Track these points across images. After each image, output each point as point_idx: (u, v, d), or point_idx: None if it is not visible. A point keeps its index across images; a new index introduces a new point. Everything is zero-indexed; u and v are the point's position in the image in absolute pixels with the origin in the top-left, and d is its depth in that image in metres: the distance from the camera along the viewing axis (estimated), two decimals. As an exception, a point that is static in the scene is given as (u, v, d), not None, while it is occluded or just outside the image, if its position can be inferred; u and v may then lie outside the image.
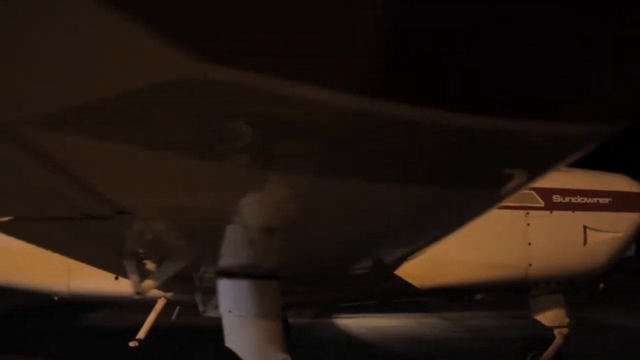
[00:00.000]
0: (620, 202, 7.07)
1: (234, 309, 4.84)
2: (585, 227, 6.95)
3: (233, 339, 4.85)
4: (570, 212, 6.95)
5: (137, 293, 4.05)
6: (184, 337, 10.46)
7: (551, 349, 7.44)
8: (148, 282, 4.05)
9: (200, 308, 6.45)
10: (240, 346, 4.80)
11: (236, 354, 4.84)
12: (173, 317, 9.18)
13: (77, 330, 12.27)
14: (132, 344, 6.50)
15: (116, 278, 6.83)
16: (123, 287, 6.85)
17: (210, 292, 5.63)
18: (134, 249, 3.71)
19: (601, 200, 7.04)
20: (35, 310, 13.41)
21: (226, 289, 4.89)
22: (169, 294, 6.74)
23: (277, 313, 4.89)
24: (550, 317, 7.53)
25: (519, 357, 7.61)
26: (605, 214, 7.01)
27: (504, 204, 6.84)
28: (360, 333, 11.26)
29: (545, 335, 7.52)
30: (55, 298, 7.49)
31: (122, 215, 2.55)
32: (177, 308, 9.11)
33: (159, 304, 6.80)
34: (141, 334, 6.61)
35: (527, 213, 6.92)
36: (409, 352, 9.93)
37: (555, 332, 7.50)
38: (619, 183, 7.22)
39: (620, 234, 7.00)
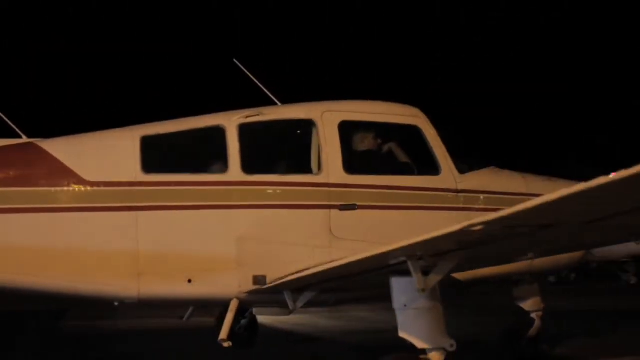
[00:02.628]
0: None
1: (409, 303, 5.53)
2: (570, 228, 8.43)
3: (408, 329, 5.57)
4: (560, 216, 8.37)
5: (422, 290, 4.60)
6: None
7: (533, 330, 8.87)
8: (433, 277, 4.64)
9: (290, 306, 6.86)
10: (416, 335, 5.53)
11: (411, 343, 5.51)
12: (184, 319, 9.25)
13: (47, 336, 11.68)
14: (225, 344, 6.69)
15: (189, 281, 6.95)
16: (196, 289, 7.00)
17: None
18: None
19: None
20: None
21: (401, 285, 5.56)
22: (242, 295, 7.00)
23: (441, 304, 5.62)
24: (530, 303, 8.94)
25: (508, 339, 8.94)
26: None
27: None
28: (305, 330, 11.93)
29: (526, 320, 8.91)
30: (116, 304, 7.31)
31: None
32: (190, 309, 9.21)
33: (233, 304, 7.02)
34: (223, 335, 6.82)
35: (531, 216, 8.21)
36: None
37: (534, 315, 8.93)
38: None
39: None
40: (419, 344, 5.58)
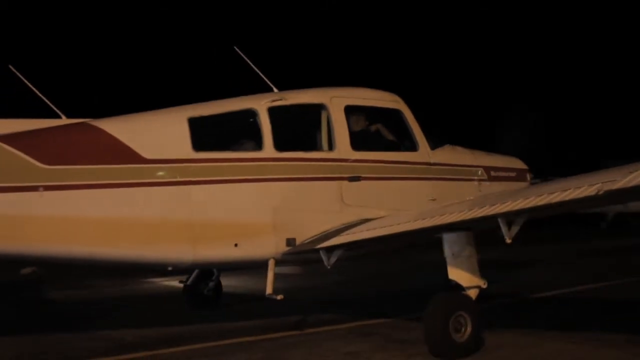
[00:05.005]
0: (519, 175, 10.76)
1: (457, 251, 7.11)
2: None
3: (456, 273, 7.14)
4: (499, 182, 10.33)
5: (509, 239, 6.11)
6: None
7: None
8: (513, 229, 6.18)
9: (326, 263, 8.09)
10: (462, 276, 7.16)
11: (459, 283, 7.10)
12: (188, 282, 10.07)
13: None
14: (279, 297, 7.78)
15: (235, 245, 7.94)
16: (241, 252, 8.02)
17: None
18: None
19: (512, 174, 10.62)
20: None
21: (451, 239, 7.13)
22: (278, 255, 8.11)
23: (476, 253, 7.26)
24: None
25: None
26: (514, 183, 10.60)
27: (469, 177, 9.93)
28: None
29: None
30: (170, 268, 8.03)
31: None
32: (195, 273, 10.04)
33: (271, 264, 8.09)
34: (269, 290, 7.91)
35: (480, 183, 10.08)
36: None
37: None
38: (517, 162, 10.91)
39: (521, 196, 10.68)
40: (464, 283, 7.18)
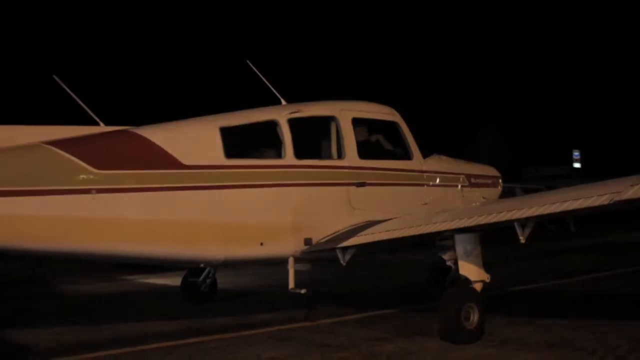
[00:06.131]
0: (494, 182, 11.94)
1: (469, 250, 8.12)
2: (483, 197, 11.56)
3: (466, 268, 8.12)
4: (478, 188, 11.46)
5: (523, 240, 7.12)
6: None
7: (451, 274, 11.85)
8: (526, 231, 7.21)
9: (341, 260, 8.95)
10: (471, 271, 8.19)
11: (468, 277, 8.11)
12: (200, 279, 10.71)
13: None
14: (302, 291, 8.59)
15: (261, 244, 8.71)
16: (266, 251, 8.80)
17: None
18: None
19: (488, 181, 11.77)
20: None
21: (464, 238, 8.13)
22: (297, 253, 8.93)
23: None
24: (448, 254, 11.90)
25: (434, 280, 11.77)
26: (490, 189, 11.76)
27: (454, 183, 11.00)
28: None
29: (445, 266, 11.85)
30: (201, 265, 8.67)
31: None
32: (207, 270, 10.69)
33: (291, 261, 8.90)
34: (291, 285, 8.73)
35: (462, 189, 11.17)
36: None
37: (449, 263, 11.91)
38: (492, 170, 12.08)
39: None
40: (472, 278, 8.19)
